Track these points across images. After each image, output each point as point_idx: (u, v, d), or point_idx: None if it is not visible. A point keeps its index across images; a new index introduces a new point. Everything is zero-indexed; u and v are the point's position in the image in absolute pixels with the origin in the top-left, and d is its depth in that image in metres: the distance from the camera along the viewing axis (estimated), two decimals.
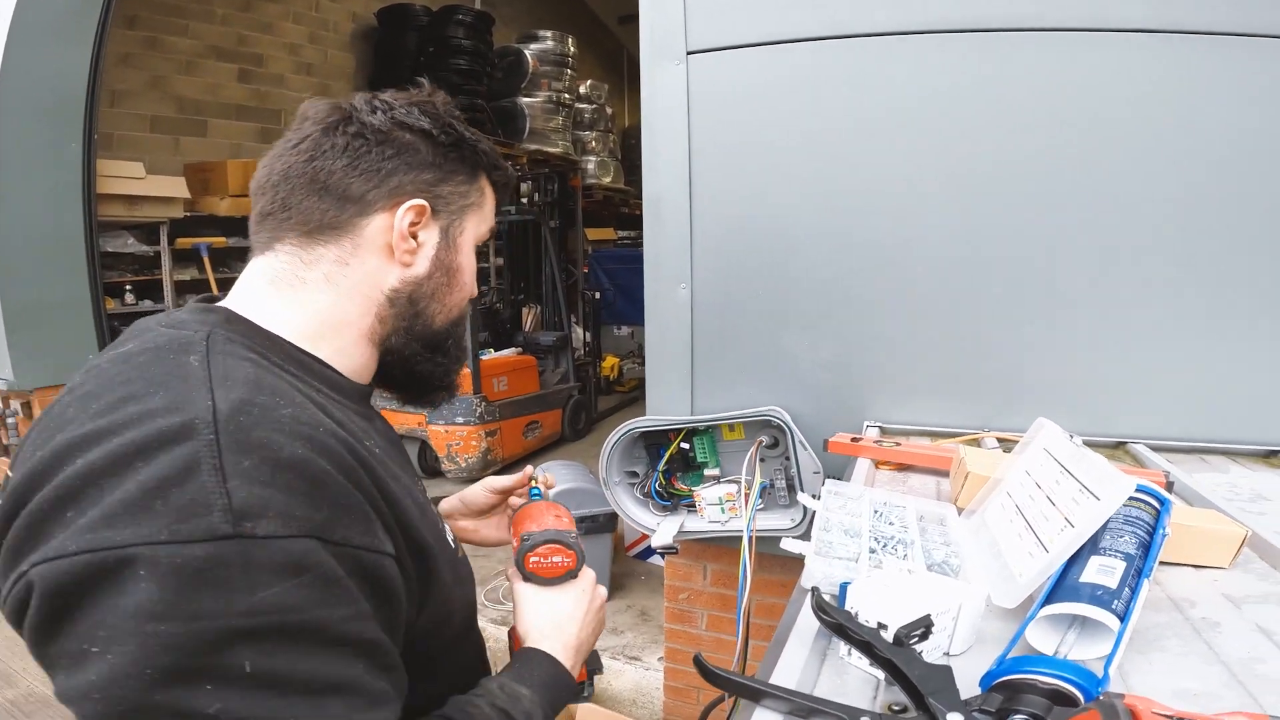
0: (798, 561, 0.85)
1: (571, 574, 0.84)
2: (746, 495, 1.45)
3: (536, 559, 0.84)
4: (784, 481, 1.67)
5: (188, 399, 0.53)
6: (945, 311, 1.50)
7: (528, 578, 0.84)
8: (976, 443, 1.46)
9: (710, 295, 1.60)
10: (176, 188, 4.95)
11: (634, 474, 1.74)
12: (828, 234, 1.53)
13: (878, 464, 1.31)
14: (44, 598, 0.48)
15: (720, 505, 1.61)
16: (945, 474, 1.24)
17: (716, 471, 1.70)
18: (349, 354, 0.71)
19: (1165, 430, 1.44)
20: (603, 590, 0.88)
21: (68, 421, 0.54)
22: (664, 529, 1.62)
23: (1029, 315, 1.47)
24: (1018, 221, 1.44)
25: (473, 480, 4.93)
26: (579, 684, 0.82)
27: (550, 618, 0.81)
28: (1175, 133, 1.36)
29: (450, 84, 6.79)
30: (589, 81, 8.54)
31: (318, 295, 0.69)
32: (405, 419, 4.63)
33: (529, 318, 6.19)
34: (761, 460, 1.58)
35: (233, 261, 5.77)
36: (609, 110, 8.79)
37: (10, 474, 0.55)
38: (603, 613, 0.88)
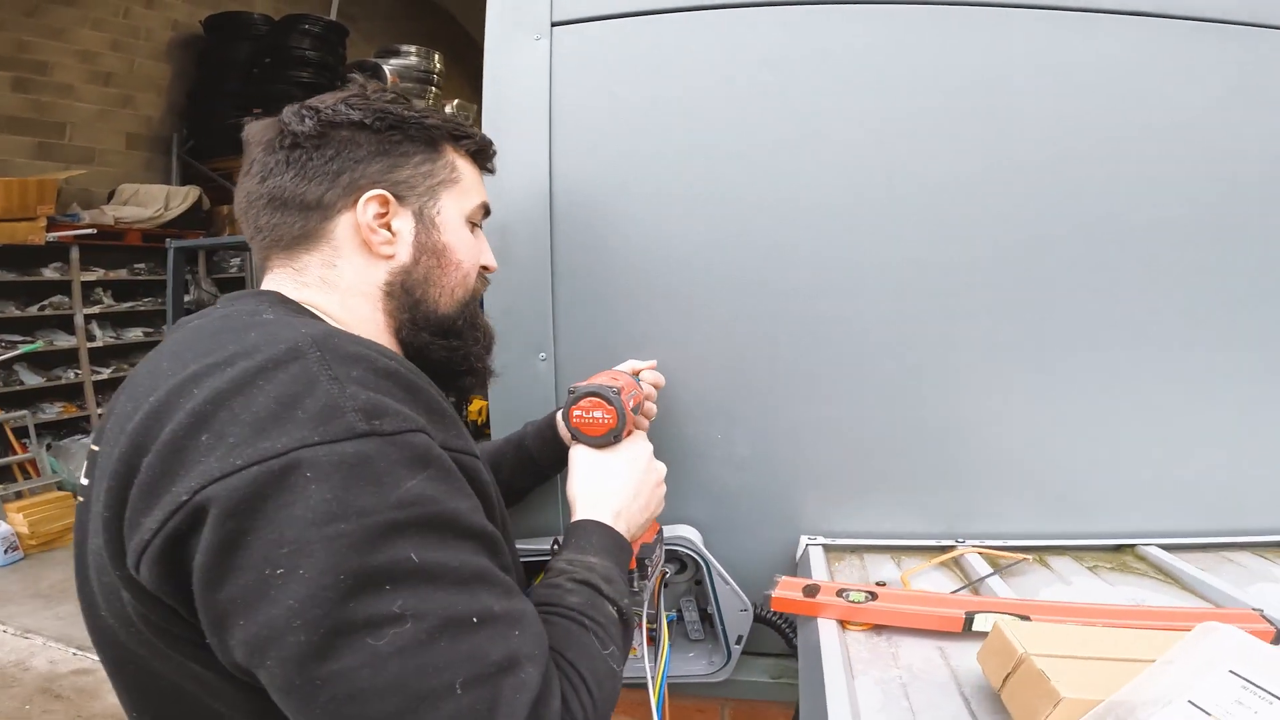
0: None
1: (614, 434, 0.83)
2: (650, 633, 0.98)
3: (580, 413, 0.84)
4: (695, 612, 1.19)
5: (280, 334, 0.57)
6: (894, 381, 1.09)
7: (575, 435, 0.85)
8: (954, 561, 1.06)
9: (585, 368, 1.10)
10: None
11: None
12: (740, 278, 1.09)
13: (845, 624, 0.86)
14: (220, 520, 0.48)
15: None
16: (948, 636, 0.82)
17: None
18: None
19: (1180, 525, 1.11)
20: (660, 466, 0.88)
21: (164, 375, 0.56)
22: None
23: (1004, 383, 1.10)
24: (984, 253, 1.07)
25: None
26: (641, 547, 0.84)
27: (598, 482, 0.82)
28: (1204, 142, 1.06)
29: (289, 97, 5.90)
30: (455, 101, 7.95)
31: (325, 298, 0.73)
32: None
33: None
34: (664, 585, 1.11)
35: (19, 296, 4.66)
36: None
37: (99, 447, 0.61)
38: (660, 490, 0.87)
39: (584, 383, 0.85)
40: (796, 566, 1.12)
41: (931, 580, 1.02)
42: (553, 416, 1.03)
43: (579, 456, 0.84)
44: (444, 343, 0.77)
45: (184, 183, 6.10)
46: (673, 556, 1.10)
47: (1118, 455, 1.11)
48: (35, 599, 3.05)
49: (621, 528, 0.78)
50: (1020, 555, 1.06)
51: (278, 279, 0.73)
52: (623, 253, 1.11)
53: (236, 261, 5.96)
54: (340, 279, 0.73)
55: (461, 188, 0.79)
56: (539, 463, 1.03)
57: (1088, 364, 1.09)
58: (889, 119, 1.07)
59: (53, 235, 4.74)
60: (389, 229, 0.73)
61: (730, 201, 1.08)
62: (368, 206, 0.72)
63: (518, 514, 1.14)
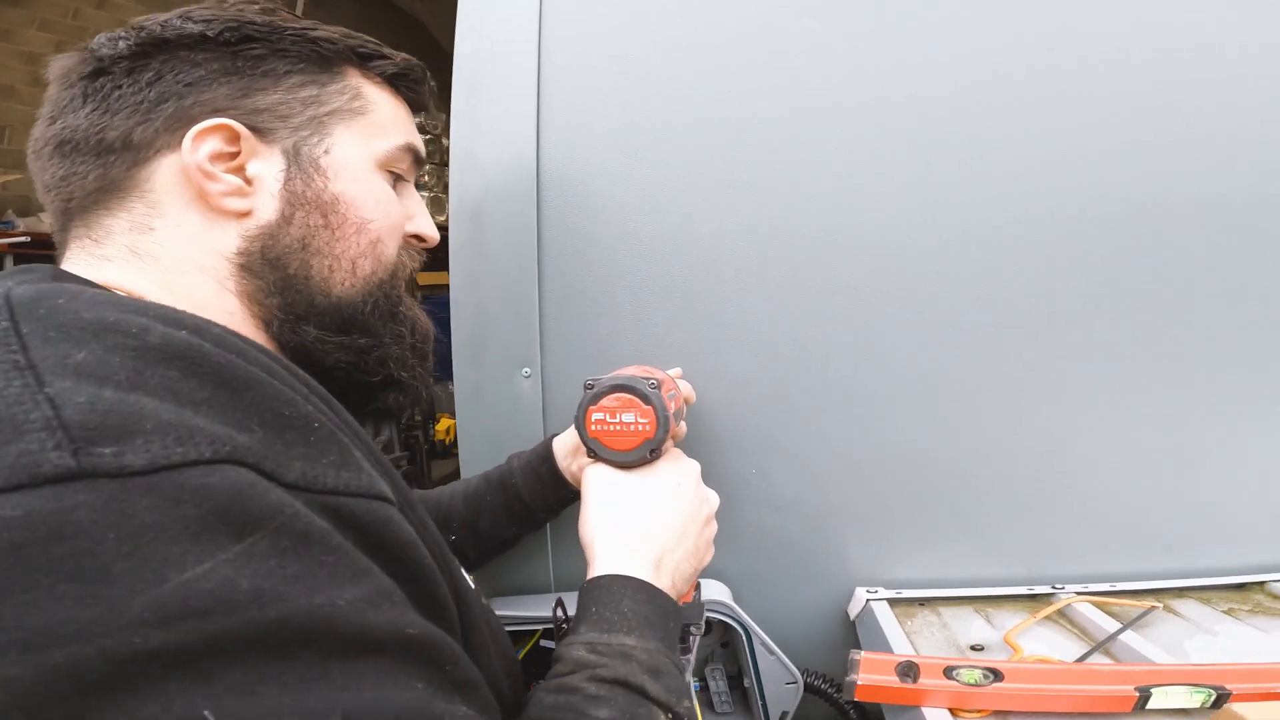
0: None
1: (651, 446, 0.59)
2: None
3: (600, 416, 0.60)
4: (723, 680, 0.96)
5: None
6: (970, 399, 0.87)
7: (594, 449, 0.61)
8: (1059, 613, 0.84)
9: (578, 386, 0.88)
10: None
11: None
12: (780, 274, 0.87)
13: (956, 712, 0.64)
14: None
15: None
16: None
17: None
18: None
19: None
20: (711, 497, 0.65)
21: None
22: None
23: (1101, 399, 0.89)
24: (1092, 241, 0.86)
25: None
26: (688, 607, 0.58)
27: (630, 518, 0.58)
28: None
29: None
30: (422, 113, 7.74)
31: (137, 276, 0.50)
32: None
33: None
34: (684, 651, 0.88)
35: None
36: (445, 143, 8.00)
37: None
38: (711, 530, 0.64)
39: (607, 376, 0.63)
40: (855, 626, 0.90)
41: (1042, 640, 0.81)
42: (547, 446, 0.80)
43: (600, 481, 0.62)
44: (342, 340, 0.55)
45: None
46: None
47: (1234, 481, 0.91)
48: None
49: (665, 583, 0.56)
50: (1145, 602, 0.85)
51: (72, 256, 0.52)
52: (629, 241, 0.88)
53: None
54: (161, 248, 0.51)
55: (370, 122, 0.58)
56: (530, 506, 0.80)
57: (1199, 378, 0.89)
58: (972, 78, 0.86)
59: None
60: (242, 175, 0.52)
61: (766, 179, 0.86)
62: (201, 142, 0.51)
63: (500, 564, 0.90)
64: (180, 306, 0.48)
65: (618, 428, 0.59)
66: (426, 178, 7.50)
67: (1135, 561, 0.92)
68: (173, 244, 0.51)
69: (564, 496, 0.78)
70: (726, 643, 0.93)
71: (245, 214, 0.52)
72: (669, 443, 0.62)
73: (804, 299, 0.85)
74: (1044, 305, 0.86)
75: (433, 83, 0.65)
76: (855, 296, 0.85)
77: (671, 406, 0.62)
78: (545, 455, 0.79)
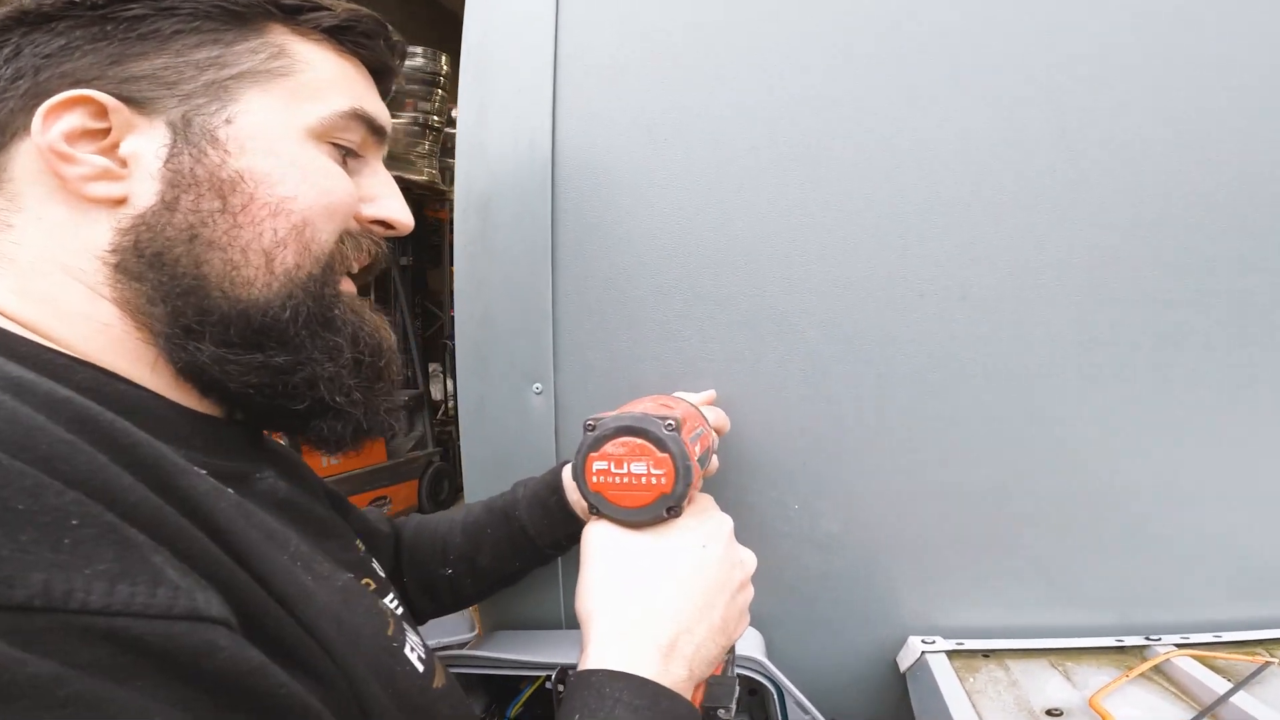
0: None
1: (669, 503, 0.47)
2: None
3: (604, 466, 0.47)
4: None
5: None
6: (1045, 424, 0.75)
7: (595, 505, 0.49)
8: (1156, 670, 0.72)
9: (596, 404, 0.78)
10: None
11: None
12: (828, 279, 0.75)
13: None
14: None
15: None
16: None
17: None
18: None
19: None
20: (747, 558, 0.54)
21: None
22: None
23: (1202, 423, 0.75)
24: (1205, 244, 0.72)
25: None
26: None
27: (636, 591, 0.46)
28: None
29: None
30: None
31: None
32: None
33: None
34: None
35: None
36: (450, 131, 7.98)
37: None
38: (745, 596, 0.52)
39: (613, 413, 0.51)
40: (906, 679, 0.79)
41: (1137, 702, 0.69)
42: (556, 476, 0.71)
43: (602, 544, 0.50)
44: (252, 359, 0.45)
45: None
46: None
47: None
48: None
49: (679, 674, 0.45)
50: (1259, 656, 0.72)
51: None
52: (656, 240, 0.77)
53: None
54: (19, 248, 0.43)
55: (299, 84, 0.48)
56: (535, 542, 0.71)
57: None
58: (1063, 52, 0.73)
59: None
60: (114, 155, 0.44)
61: (815, 170, 0.74)
62: (54, 120, 0.43)
63: (507, 594, 0.81)
64: (47, 320, 0.41)
65: (625, 480, 0.47)
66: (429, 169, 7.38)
67: (1246, 608, 0.79)
68: (32, 242, 0.43)
69: (574, 533, 0.69)
70: (755, 690, 0.83)
71: (119, 201, 0.44)
72: (692, 492, 0.51)
73: (860, 310, 0.74)
74: (1143, 319, 0.73)
75: (397, 37, 0.55)
76: (920, 306, 0.73)
77: (697, 450, 0.51)
78: (554, 486, 0.70)
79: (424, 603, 0.75)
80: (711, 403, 0.73)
